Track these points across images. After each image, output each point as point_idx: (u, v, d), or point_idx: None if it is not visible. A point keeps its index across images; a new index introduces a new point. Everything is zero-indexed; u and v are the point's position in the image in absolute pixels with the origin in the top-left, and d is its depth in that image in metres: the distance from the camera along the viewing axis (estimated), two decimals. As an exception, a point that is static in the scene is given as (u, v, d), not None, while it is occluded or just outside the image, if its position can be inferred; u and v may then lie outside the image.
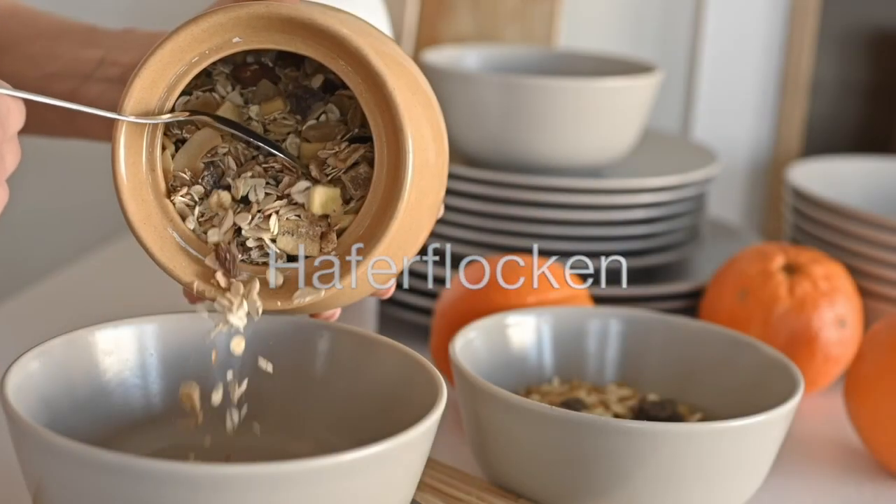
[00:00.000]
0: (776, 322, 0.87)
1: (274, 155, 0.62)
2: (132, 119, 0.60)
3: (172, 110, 0.62)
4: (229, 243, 0.61)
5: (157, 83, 0.60)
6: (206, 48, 0.60)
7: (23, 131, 0.58)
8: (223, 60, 0.63)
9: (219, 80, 0.64)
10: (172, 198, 0.62)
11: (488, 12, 1.24)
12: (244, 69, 0.63)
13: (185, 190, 0.62)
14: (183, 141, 0.63)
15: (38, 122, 0.74)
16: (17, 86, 0.57)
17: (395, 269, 0.61)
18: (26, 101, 0.56)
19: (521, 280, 0.83)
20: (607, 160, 1.01)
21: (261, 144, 0.62)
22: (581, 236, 0.96)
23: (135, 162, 0.61)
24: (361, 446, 0.53)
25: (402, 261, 0.61)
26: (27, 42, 0.73)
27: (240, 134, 0.62)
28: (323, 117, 0.62)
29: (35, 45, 0.73)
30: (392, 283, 0.65)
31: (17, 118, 0.55)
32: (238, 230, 0.61)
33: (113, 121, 0.60)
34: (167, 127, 0.62)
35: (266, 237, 0.60)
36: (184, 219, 0.62)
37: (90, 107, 0.59)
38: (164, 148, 0.62)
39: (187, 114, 0.62)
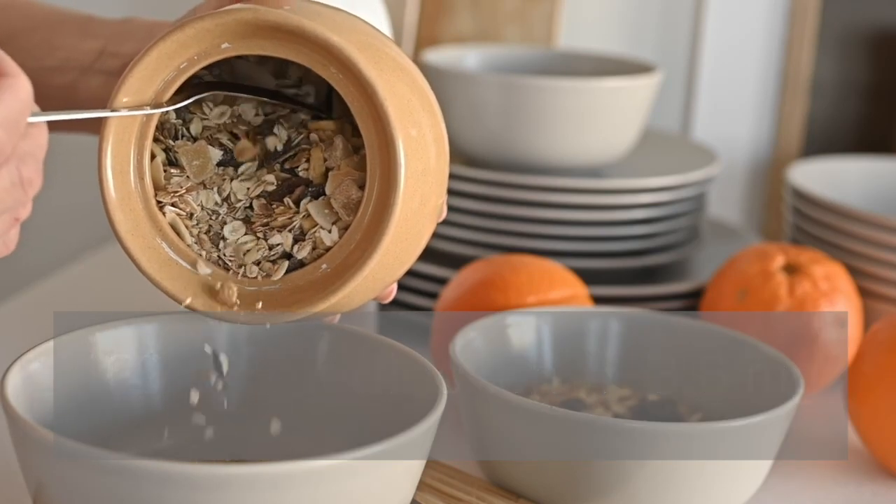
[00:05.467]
0: (776, 322, 0.87)
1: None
2: (126, 113, 0.59)
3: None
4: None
5: (144, 89, 0.59)
6: (195, 53, 0.59)
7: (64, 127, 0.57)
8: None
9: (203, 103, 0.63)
10: (163, 208, 0.61)
11: (488, 12, 1.24)
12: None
13: (176, 200, 0.61)
14: (172, 149, 0.62)
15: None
16: None
17: (393, 277, 0.61)
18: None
19: (522, 280, 0.83)
20: (607, 160, 1.01)
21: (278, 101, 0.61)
22: (581, 236, 0.96)
23: (122, 170, 0.60)
24: (361, 446, 0.53)
25: (401, 269, 0.60)
26: (25, 34, 0.72)
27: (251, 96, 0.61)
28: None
29: (33, 36, 0.72)
30: (393, 287, 0.64)
31: (46, 144, 0.54)
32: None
33: (105, 122, 0.59)
34: (156, 134, 0.61)
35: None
36: (176, 231, 0.61)
37: (85, 109, 0.58)
38: (153, 156, 0.61)
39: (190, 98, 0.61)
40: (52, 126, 0.75)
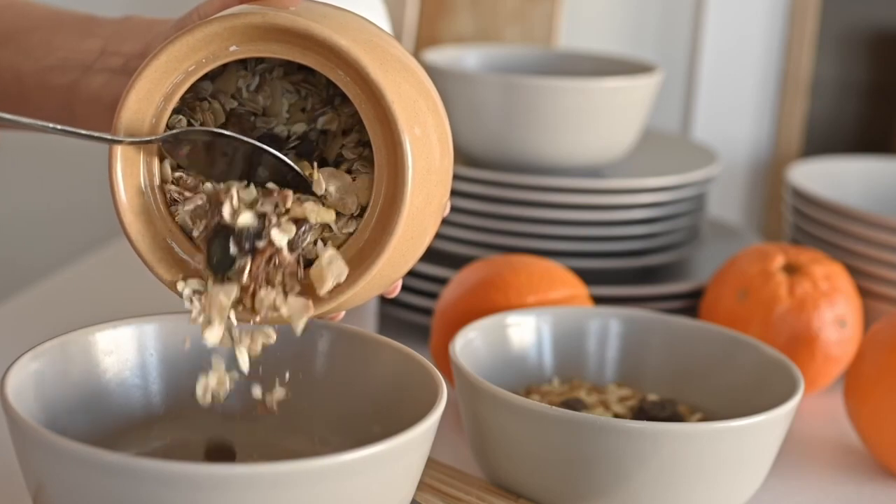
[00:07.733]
0: (776, 322, 0.87)
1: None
2: (129, 140, 0.59)
3: (169, 128, 0.61)
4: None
5: (153, 93, 0.59)
6: (203, 57, 0.59)
7: (22, 128, 0.57)
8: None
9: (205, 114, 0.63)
10: (173, 209, 0.60)
11: (488, 12, 1.24)
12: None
13: (188, 202, 0.61)
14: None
15: (36, 118, 0.73)
16: (15, 80, 0.55)
17: (399, 274, 0.61)
18: (25, 93, 0.55)
19: (522, 280, 0.83)
20: (607, 160, 1.01)
21: (265, 148, 0.61)
22: (581, 236, 0.96)
23: (133, 172, 0.60)
24: (361, 446, 0.53)
25: (407, 266, 0.61)
26: (24, 34, 0.72)
27: (242, 138, 0.62)
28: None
29: (32, 37, 0.71)
30: (398, 283, 0.64)
31: None
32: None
33: (112, 118, 0.59)
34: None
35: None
36: (188, 231, 0.60)
37: (86, 129, 0.57)
38: (163, 157, 0.61)
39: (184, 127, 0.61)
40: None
